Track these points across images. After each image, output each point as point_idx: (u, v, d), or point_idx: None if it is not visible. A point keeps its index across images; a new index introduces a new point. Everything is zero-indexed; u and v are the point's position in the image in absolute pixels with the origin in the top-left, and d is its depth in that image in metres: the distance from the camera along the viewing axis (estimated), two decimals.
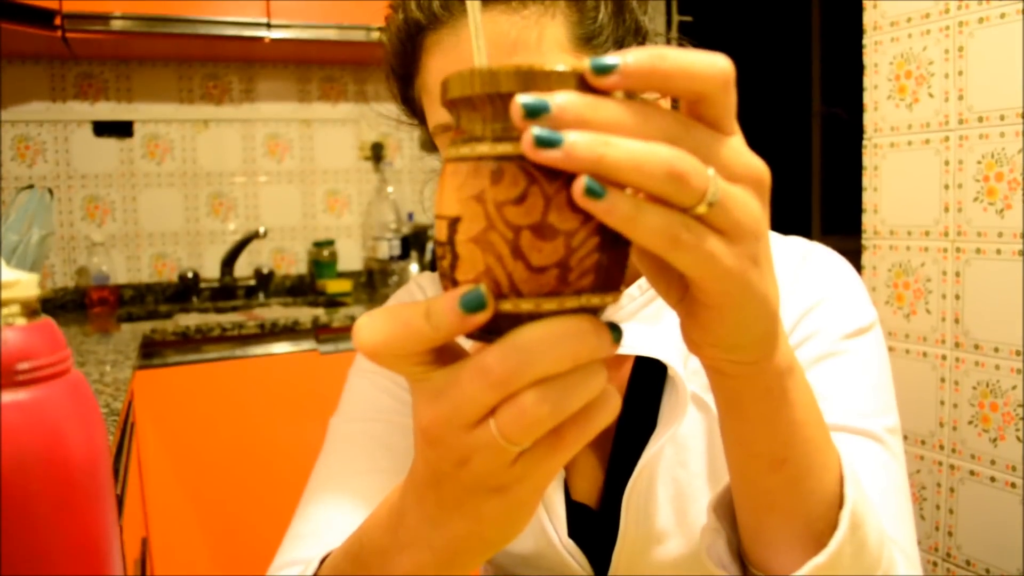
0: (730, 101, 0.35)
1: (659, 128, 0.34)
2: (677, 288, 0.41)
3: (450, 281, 0.35)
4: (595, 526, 0.76)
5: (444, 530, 0.40)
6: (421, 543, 0.41)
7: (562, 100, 0.32)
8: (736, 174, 0.35)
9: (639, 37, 0.69)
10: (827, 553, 0.48)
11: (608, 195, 0.32)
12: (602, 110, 0.33)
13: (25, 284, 0.39)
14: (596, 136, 0.32)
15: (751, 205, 0.36)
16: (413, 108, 0.75)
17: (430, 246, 2.70)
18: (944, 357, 1.62)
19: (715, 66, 0.34)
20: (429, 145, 0.86)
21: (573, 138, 0.32)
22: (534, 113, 0.32)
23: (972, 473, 1.57)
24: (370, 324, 0.35)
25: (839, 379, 0.69)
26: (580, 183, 0.32)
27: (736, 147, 0.36)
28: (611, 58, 0.33)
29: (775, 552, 0.52)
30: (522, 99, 0.32)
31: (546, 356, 0.32)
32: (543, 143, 0.32)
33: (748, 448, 0.48)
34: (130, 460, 1.47)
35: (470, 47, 0.63)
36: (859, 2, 1.77)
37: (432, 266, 2.62)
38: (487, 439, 0.34)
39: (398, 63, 0.71)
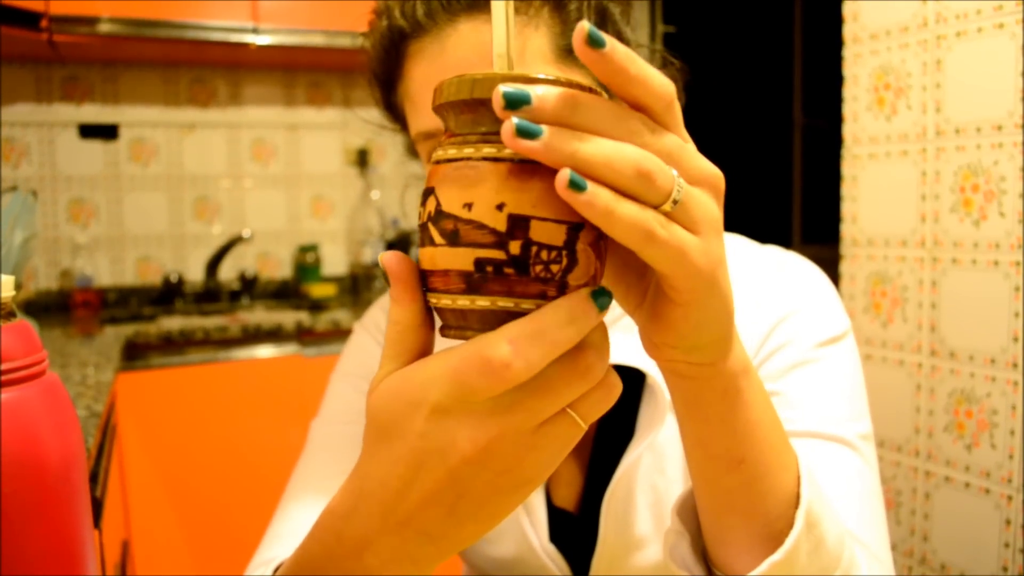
0: (675, 116, 0.37)
1: (629, 128, 0.35)
2: (636, 293, 0.43)
3: (556, 285, 0.35)
4: (575, 531, 0.76)
5: (443, 543, 0.39)
6: (402, 561, 0.40)
7: (542, 93, 0.34)
8: (695, 177, 0.37)
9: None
10: (783, 551, 0.48)
11: (589, 188, 0.33)
12: (580, 106, 0.34)
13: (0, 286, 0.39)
14: (572, 132, 0.33)
15: (710, 206, 0.37)
16: (395, 114, 0.75)
17: (415, 251, 2.69)
18: (920, 365, 1.63)
19: (665, 86, 0.36)
20: (412, 151, 0.86)
21: (552, 131, 0.33)
22: (515, 104, 0.33)
23: (947, 479, 1.58)
24: (523, 349, 0.34)
25: (812, 386, 0.69)
26: (564, 175, 0.33)
27: (695, 152, 0.38)
28: (606, 38, 0.34)
29: (736, 552, 0.52)
30: (504, 89, 0.33)
31: (608, 346, 0.38)
32: (523, 133, 0.33)
33: (706, 449, 0.49)
34: (112, 463, 1.46)
35: (454, 56, 0.63)
36: (839, 15, 1.79)
37: None
38: (556, 432, 0.36)
39: (381, 69, 0.71)
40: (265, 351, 2.10)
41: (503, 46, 0.37)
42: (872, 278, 1.73)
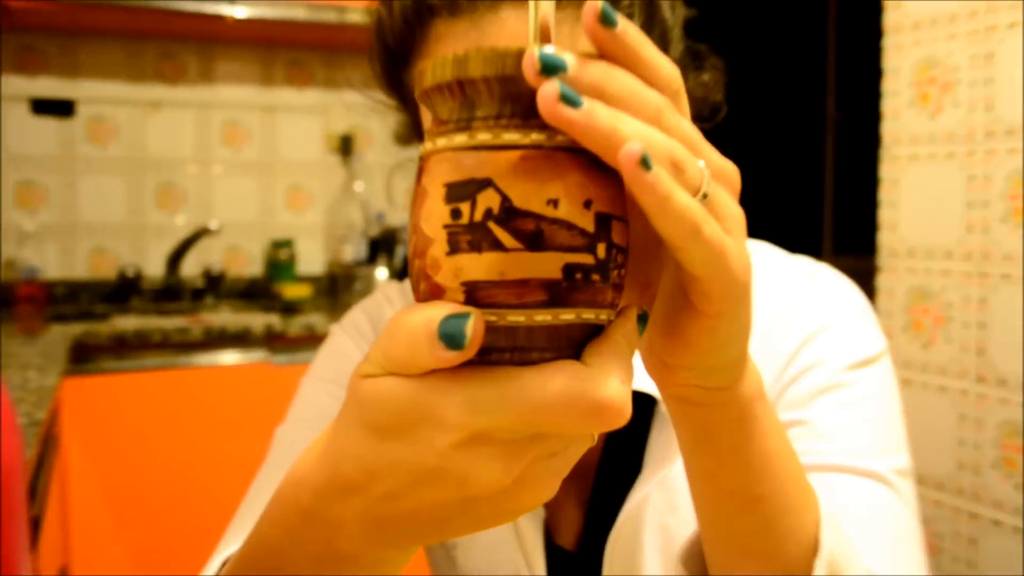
0: (683, 105, 0.37)
1: (657, 107, 0.35)
2: (640, 306, 0.42)
3: (619, 292, 0.35)
4: (575, 571, 0.75)
5: (427, 540, 0.38)
6: (380, 545, 0.39)
7: (577, 60, 0.33)
8: (714, 171, 0.37)
9: (664, 43, 0.69)
10: None
11: (654, 167, 0.32)
12: (614, 78, 0.34)
13: None
14: (610, 108, 0.33)
15: (734, 204, 0.37)
16: (401, 92, 0.73)
17: (400, 250, 2.70)
18: (965, 392, 1.63)
19: (673, 73, 0.36)
20: (408, 137, 0.85)
21: (591, 102, 0.32)
22: (551, 69, 0.32)
23: (996, 523, 1.58)
24: (627, 389, 0.33)
25: (842, 414, 0.69)
26: (636, 149, 0.32)
27: (711, 145, 0.38)
28: (619, 17, 0.34)
29: None
30: (542, 52, 0.32)
31: None
32: (568, 100, 0.32)
33: (719, 486, 0.49)
34: (52, 478, 1.45)
35: (491, 42, 0.62)
36: (879, 1, 1.79)
37: (403, 273, 2.61)
38: (576, 451, 0.36)
39: (396, 42, 0.69)
40: (230, 357, 2.10)
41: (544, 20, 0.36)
42: (912, 293, 1.73)
